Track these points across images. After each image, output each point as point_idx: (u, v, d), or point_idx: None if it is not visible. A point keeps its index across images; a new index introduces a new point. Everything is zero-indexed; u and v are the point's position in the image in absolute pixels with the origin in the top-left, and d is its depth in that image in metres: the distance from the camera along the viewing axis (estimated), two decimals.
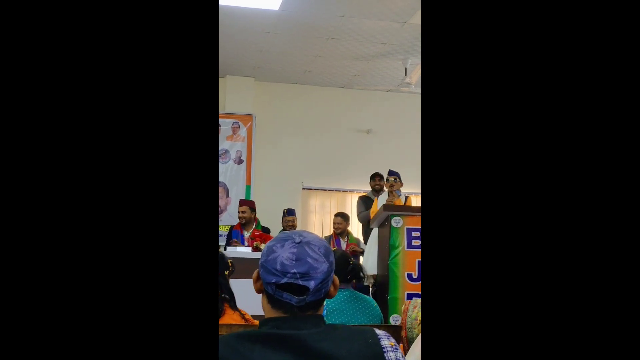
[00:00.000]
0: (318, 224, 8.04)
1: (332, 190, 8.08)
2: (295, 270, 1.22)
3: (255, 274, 1.29)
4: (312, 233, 1.31)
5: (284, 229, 6.40)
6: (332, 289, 1.29)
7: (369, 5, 5.69)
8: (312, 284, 1.23)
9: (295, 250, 1.24)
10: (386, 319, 4.50)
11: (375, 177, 6.59)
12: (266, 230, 6.25)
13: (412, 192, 6.72)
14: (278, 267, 1.23)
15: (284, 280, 1.22)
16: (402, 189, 6.15)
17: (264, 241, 5.55)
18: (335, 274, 1.30)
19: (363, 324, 2.75)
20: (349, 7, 5.73)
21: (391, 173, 6.01)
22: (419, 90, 7.15)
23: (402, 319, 2.89)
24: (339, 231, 6.25)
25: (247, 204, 6.04)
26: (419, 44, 6.57)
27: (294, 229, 6.27)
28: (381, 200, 5.95)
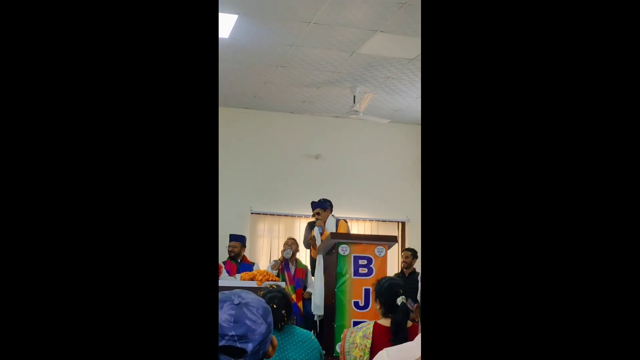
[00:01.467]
0: (266, 248, 7.99)
1: (281, 215, 8.01)
2: (233, 333, 1.22)
3: None
4: (251, 293, 1.31)
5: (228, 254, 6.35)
6: (270, 349, 1.29)
7: (318, 36, 5.76)
8: (249, 347, 1.23)
9: (233, 312, 1.24)
10: (332, 346, 4.63)
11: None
12: None
13: (355, 217, 6.77)
14: None
15: (222, 342, 1.22)
16: (343, 213, 6.19)
17: None
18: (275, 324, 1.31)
19: (301, 359, 2.77)
20: (298, 37, 5.80)
21: (314, 206, 5.98)
22: (367, 117, 7.25)
23: (341, 346, 2.90)
24: (289, 256, 6.13)
25: None
26: (367, 72, 6.67)
27: (235, 254, 6.27)
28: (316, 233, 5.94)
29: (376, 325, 2.82)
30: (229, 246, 6.33)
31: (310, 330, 4.18)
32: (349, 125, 8.25)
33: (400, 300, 2.78)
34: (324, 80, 6.92)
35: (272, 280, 5.17)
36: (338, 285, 4.81)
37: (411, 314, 2.75)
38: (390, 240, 5.09)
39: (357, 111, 7.07)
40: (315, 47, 6.00)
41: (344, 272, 4.82)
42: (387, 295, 2.83)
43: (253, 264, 6.39)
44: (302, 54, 6.17)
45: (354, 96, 7.12)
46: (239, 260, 6.28)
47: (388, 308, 2.82)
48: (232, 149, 7.92)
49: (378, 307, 2.90)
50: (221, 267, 5.68)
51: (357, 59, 6.27)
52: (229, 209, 7.72)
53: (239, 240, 6.39)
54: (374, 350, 2.71)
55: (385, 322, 2.81)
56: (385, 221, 8.28)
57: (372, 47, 5.98)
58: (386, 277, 3.03)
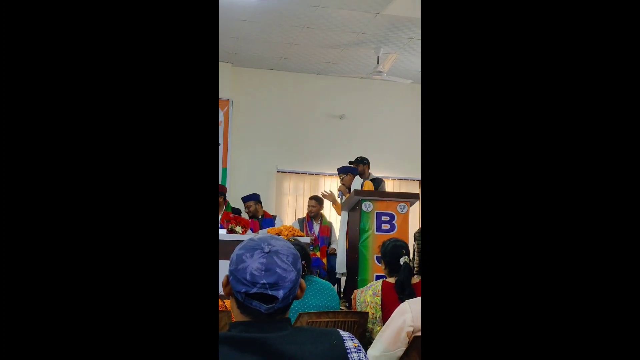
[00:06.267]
0: (292, 206, 8.11)
1: (306, 174, 8.10)
2: (264, 281, 1.23)
3: (224, 279, 1.30)
4: (280, 239, 1.30)
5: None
6: (299, 292, 1.31)
7: None
8: (280, 293, 1.24)
9: (264, 260, 1.24)
10: (356, 299, 4.65)
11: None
12: (237, 212, 6.37)
13: (378, 176, 6.61)
14: (248, 277, 1.23)
15: (254, 290, 1.23)
16: (373, 173, 6.17)
17: (238, 223, 5.56)
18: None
19: (320, 305, 2.77)
20: None
21: (338, 171, 5.90)
22: (390, 77, 7.25)
23: (352, 306, 2.92)
24: (312, 214, 6.30)
25: None
26: (391, 33, 6.66)
27: (252, 214, 6.42)
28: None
29: (385, 283, 2.90)
30: (245, 207, 6.54)
31: (333, 286, 4.09)
32: (372, 85, 8.25)
33: (403, 260, 2.86)
34: (348, 42, 6.94)
35: (297, 236, 5.15)
36: (361, 240, 4.80)
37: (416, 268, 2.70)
38: (412, 197, 5.08)
39: (380, 72, 7.06)
40: (341, 7, 5.98)
41: (367, 228, 4.81)
42: (390, 256, 2.93)
43: (274, 217, 6.58)
44: (327, 14, 6.15)
45: (378, 57, 7.10)
46: (259, 217, 6.44)
47: (392, 268, 2.92)
48: (259, 109, 8.03)
49: (383, 267, 2.99)
50: (249, 224, 5.79)
51: (381, 19, 6.22)
52: (256, 167, 7.86)
53: (251, 199, 6.50)
54: (385, 307, 2.78)
55: (393, 281, 2.89)
56: (408, 179, 8.37)
57: (397, 8, 5.96)
58: (391, 239, 3.13)
